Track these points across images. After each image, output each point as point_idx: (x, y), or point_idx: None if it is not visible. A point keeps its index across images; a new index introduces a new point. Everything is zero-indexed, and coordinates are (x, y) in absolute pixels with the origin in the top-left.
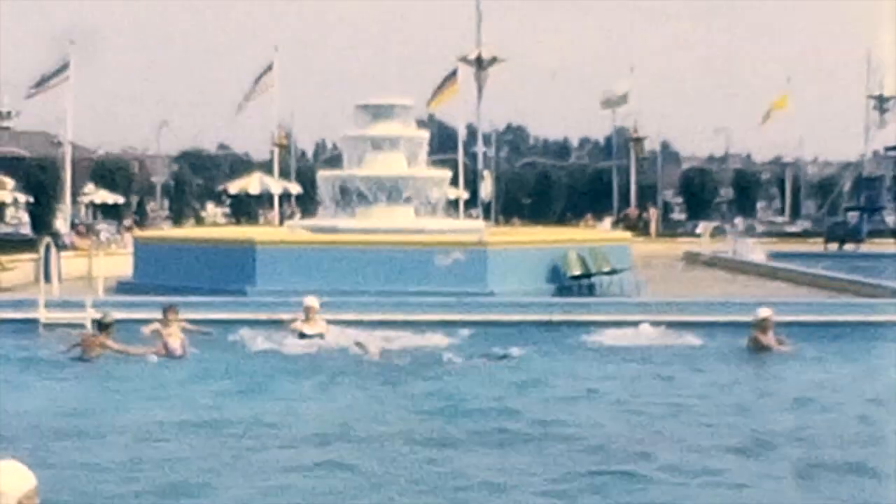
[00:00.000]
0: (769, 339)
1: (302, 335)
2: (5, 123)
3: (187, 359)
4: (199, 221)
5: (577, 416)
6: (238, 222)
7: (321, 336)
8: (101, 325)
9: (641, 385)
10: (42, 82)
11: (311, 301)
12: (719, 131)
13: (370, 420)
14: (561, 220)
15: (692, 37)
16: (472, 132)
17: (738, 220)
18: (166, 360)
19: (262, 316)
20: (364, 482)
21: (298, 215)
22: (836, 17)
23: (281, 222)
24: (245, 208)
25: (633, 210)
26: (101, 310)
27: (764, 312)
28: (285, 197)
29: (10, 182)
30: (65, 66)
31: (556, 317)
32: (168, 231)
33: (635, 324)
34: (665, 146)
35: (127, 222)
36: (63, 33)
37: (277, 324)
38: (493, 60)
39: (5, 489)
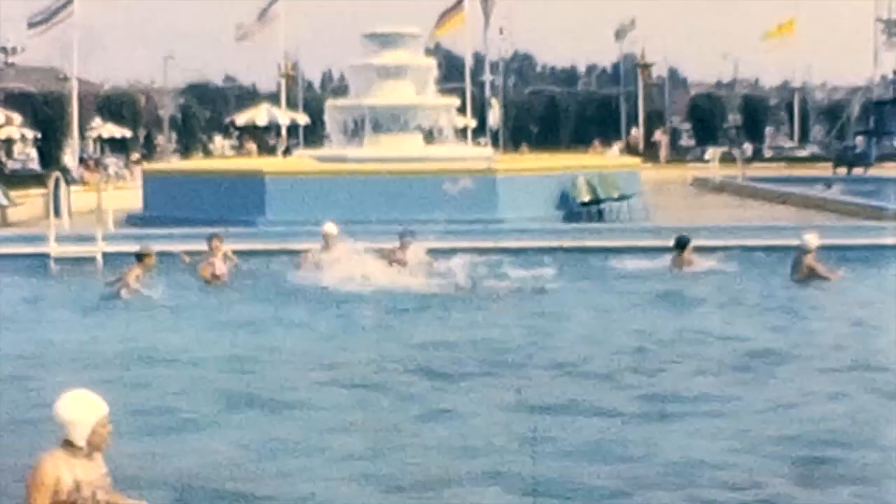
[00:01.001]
0: (819, 265)
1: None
2: (11, 59)
3: (231, 285)
4: (207, 154)
5: None
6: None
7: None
8: (139, 257)
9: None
10: (47, 17)
11: (330, 227)
12: (727, 57)
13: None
14: (569, 147)
15: None
16: (479, 61)
17: (747, 146)
18: (214, 287)
19: (273, 246)
20: None
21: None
22: None
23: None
24: (253, 140)
25: (636, 132)
26: (141, 243)
27: (814, 240)
28: (293, 128)
29: (17, 118)
30: (69, 0)
31: (567, 243)
32: (176, 163)
33: (647, 250)
34: (673, 72)
35: (135, 156)
36: None
37: (290, 254)
38: None
39: (79, 417)
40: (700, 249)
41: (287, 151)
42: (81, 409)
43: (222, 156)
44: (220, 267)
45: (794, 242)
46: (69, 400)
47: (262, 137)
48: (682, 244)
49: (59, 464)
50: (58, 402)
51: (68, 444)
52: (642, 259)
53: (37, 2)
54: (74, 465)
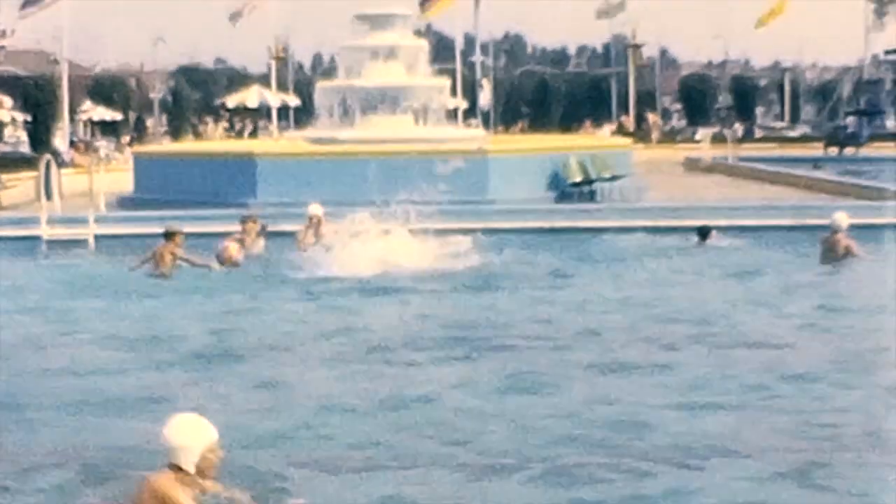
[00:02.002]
0: (854, 244)
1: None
2: (1, 42)
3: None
4: (198, 136)
5: None
6: (238, 136)
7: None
8: (167, 235)
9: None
10: (35, 1)
11: (315, 209)
12: (717, 37)
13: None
14: (561, 128)
15: None
16: (469, 41)
17: (738, 126)
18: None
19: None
20: None
21: (292, 128)
22: None
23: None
24: (244, 121)
25: (627, 119)
26: (168, 223)
27: (845, 219)
28: (284, 110)
29: (7, 101)
30: None
31: (558, 223)
32: (167, 146)
33: (637, 230)
34: (663, 53)
35: (125, 138)
36: None
37: (282, 235)
38: None
39: (189, 443)
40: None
41: (254, 133)
42: (191, 434)
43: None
44: (236, 251)
45: (790, 221)
46: (178, 424)
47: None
48: (704, 234)
49: (175, 483)
50: (166, 426)
51: (176, 468)
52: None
53: None
54: (186, 490)
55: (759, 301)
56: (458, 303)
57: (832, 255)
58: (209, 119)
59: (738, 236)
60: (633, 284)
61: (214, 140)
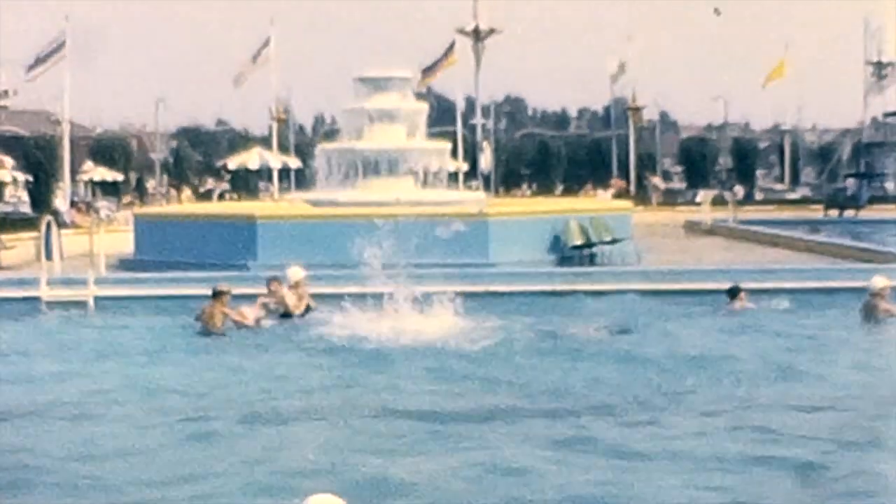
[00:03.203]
0: (889, 306)
1: (284, 315)
2: (3, 102)
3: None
4: (199, 197)
5: None
6: (238, 198)
7: (308, 310)
8: (215, 294)
9: None
10: (39, 61)
11: (297, 272)
12: (717, 99)
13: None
14: (561, 191)
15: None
16: (470, 104)
17: (738, 188)
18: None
19: (265, 290)
20: None
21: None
22: None
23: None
24: (244, 183)
25: (617, 181)
26: (219, 283)
27: (882, 281)
28: (284, 172)
29: (9, 161)
30: (61, 44)
31: (559, 286)
32: (168, 207)
33: (639, 292)
34: (663, 115)
35: (126, 199)
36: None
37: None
38: (491, 32)
39: None
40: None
41: (221, 196)
42: None
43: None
44: (248, 314)
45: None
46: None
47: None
48: (734, 293)
49: None
50: None
51: None
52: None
53: (28, 43)
54: None
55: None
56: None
57: (875, 317)
58: (210, 179)
59: (759, 298)
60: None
61: (184, 203)
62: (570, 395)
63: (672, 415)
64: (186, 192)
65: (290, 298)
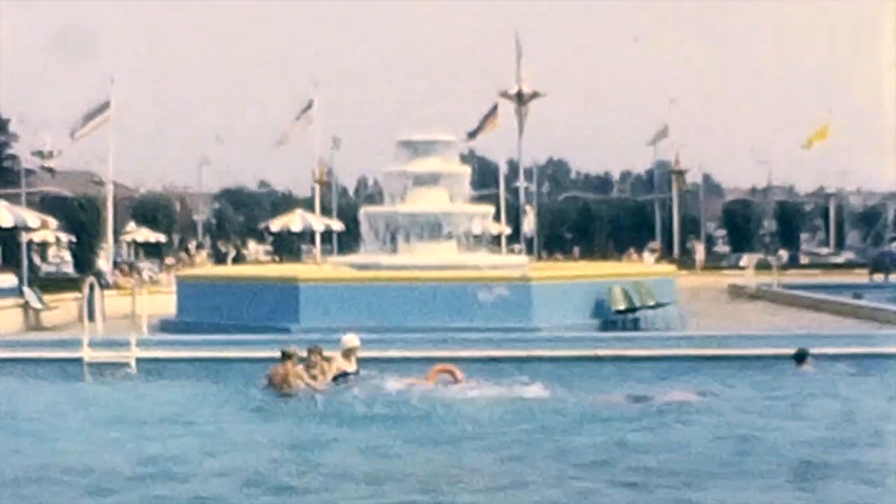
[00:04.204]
0: None
1: (337, 378)
2: (48, 163)
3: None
4: (241, 259)
5: None
6: (280, 260)
7: (356, 373)
8: (285, 356)
9: None
10: (83, 123)
11: (352, 339)
12: (761, 163)
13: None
14: (605, 254)
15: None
16: (513, 167)
17: (782, 252)
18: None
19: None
20: None
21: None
22: (876, 46)
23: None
24: (287, 245)
25: (656, 245)
26: (288, 346)
27: None
28: (327, 234)
29: (52, 221)
30: (105, 106)
31: (603, 351)
32: (210, 269)
33: (685, 358)
34: (707, 178)
35: (169, 260)
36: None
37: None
38: (534, 95)
39: None
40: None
41: (235, 259)
42: None
43: (256, 261)
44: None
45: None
46: None
47: (297, 243)
48: (801, 357)
49: None
50: None
51: None
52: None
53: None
54: None
55: None
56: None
57: None
58: (252, 242)
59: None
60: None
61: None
62: (617, 464)
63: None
64: (202, 255)
65: (342, 364)
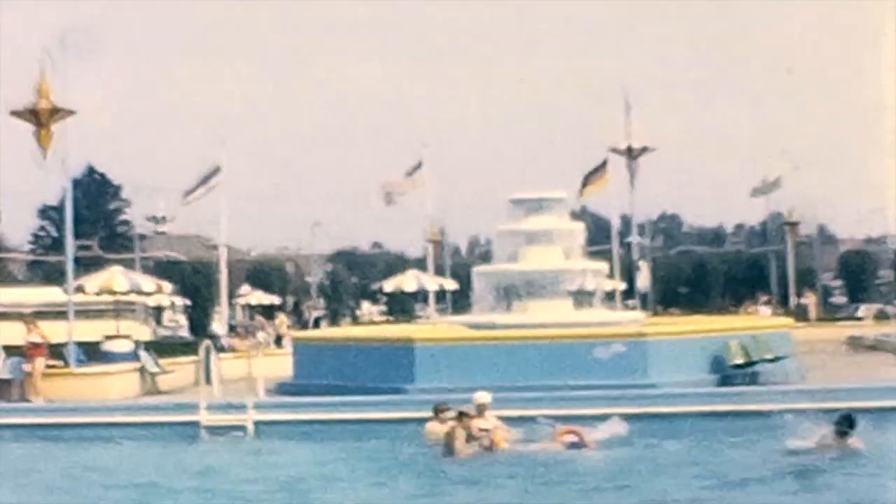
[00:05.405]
0: None
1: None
2: (161, 228)
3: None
4: (355, 320)
5: None
6: (395, 320)
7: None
8: (437, 411)
9: None
10: (195, 188)
11: (483, 397)
12: (876, 212)
13: None
14: (720, 308)
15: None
16: (625, 222)
17: None
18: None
19: (425, 414)
20: None
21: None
22: None
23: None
24: (401, 305)
25: (766, 297)
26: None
27: None
28: (440, 293)
29: (167, 285)
30: (217, 170)
31: (722, 407)
32: (326, 330)
33: (803, 412)
34: (821, 229)
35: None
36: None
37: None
38: (644, 150)
39: None
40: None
41: (317, 322)
42: None
43: (370, 322)
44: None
45: None
46: None
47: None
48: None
49: None
50: None
51: None
52: None
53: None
54: None
55: None
56: None
57: None
58: (366, 303)
59: None
60: None
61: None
62: None
63: None
64: (281, 317)
65: (485, 423)
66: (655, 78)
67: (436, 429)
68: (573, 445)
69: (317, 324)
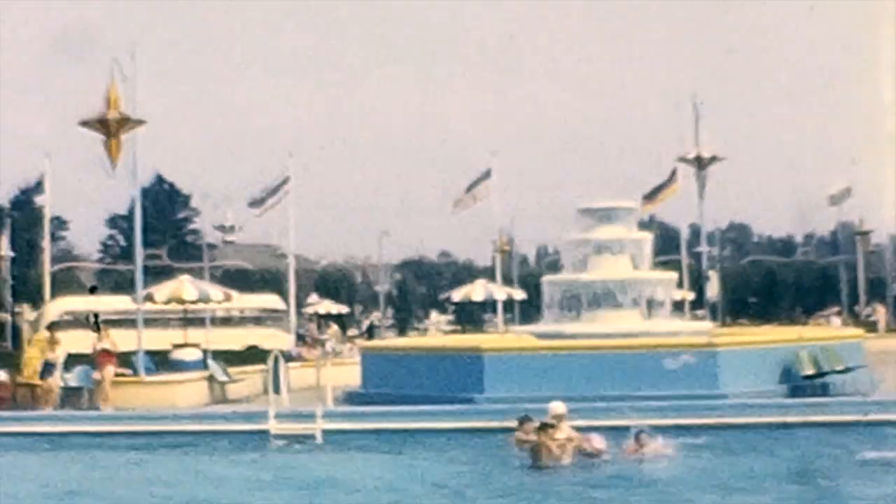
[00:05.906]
0: None
1: None
2: (230, 237)
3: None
4: (424, 330)
5: None
6: (463, 330)
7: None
8: (523, 421)
9: None
10: (264, 197)
11: (559, 406)
12: None
13: None
14: (789, 318)
15: None
16: (694, 231)
17: None
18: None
19: (494, 424)
20: None
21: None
22: None
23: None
24: (469, 315)
25: (835, 308)
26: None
27: None
28: (509, 303)
29: (235, 295)
30: (285, 180)
31: (792, 418)
32: (394, 340)
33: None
34: (893, 238)
35: (352, 332)
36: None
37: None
38: (713, 159)
39: None
40: None
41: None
42: None
43: (438, 331)
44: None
45: None
46: None
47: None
48: None
49: None
50: None
51: None
52: None
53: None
54: None
55: None
56: None
57: None
58: (433, 312)
59: None
60: None
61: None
62: None
63: None
64: (333, 327)
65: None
66: (726, 86)
67: (524, 438)
68: (587, 454)
69: (370, 331)
